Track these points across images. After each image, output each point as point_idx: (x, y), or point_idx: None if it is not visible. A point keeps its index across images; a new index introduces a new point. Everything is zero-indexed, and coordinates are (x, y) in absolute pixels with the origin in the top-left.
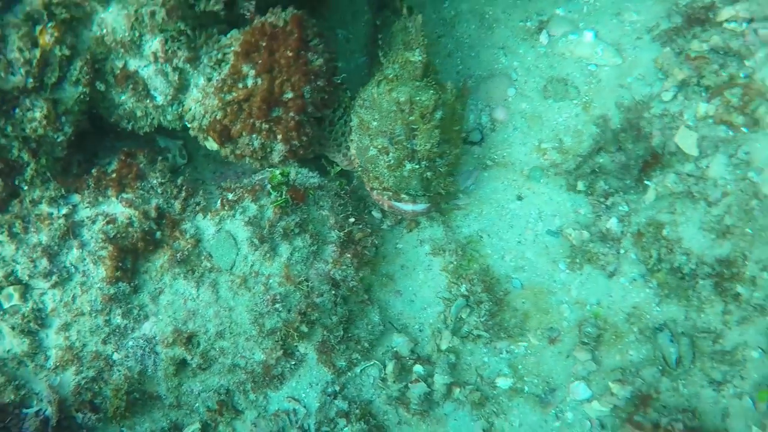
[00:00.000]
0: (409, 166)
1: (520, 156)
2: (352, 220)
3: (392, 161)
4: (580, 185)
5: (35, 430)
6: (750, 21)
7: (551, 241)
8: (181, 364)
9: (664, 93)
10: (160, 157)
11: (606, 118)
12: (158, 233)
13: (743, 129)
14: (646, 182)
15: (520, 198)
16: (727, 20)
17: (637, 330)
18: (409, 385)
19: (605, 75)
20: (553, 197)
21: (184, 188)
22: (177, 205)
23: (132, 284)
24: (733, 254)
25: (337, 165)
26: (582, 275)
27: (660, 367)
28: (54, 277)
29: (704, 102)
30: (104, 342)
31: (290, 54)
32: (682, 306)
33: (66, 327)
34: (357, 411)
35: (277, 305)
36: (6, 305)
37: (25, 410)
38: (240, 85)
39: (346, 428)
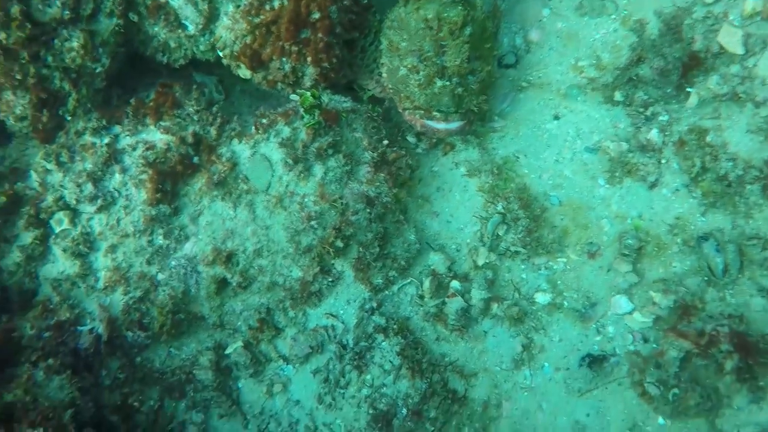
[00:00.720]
0: (439, 83)
1: (556, 75)
2: (385, 142)
3: (422, 79)
4: (618, 96)
5: (89, 345)
6: None
7: (590, 158)
8: (222, 284)
9: None
10: (195, 86)
11: (643, 25)
12: (196, 158)
13: None
14: (687, 89)
15: (557, 117)
16: None
17: (681, 241)
18: (446, 300)
19: None
20: (591, 114)
21: (219, 115)
22: (213, 131)
23: (172, 206)
24: None
25: (370, 90)
26: (622, 188)
27: (706, 278)
28: (99, 201)
29: None
30: (148, 262)
31: None
32: (729, 214)
33: (113, 249)
34: (395, 326)
35: (313, 222)
36: (57, 229)
37: (79, 328)
38: (267, 7)
39: (384, 342)
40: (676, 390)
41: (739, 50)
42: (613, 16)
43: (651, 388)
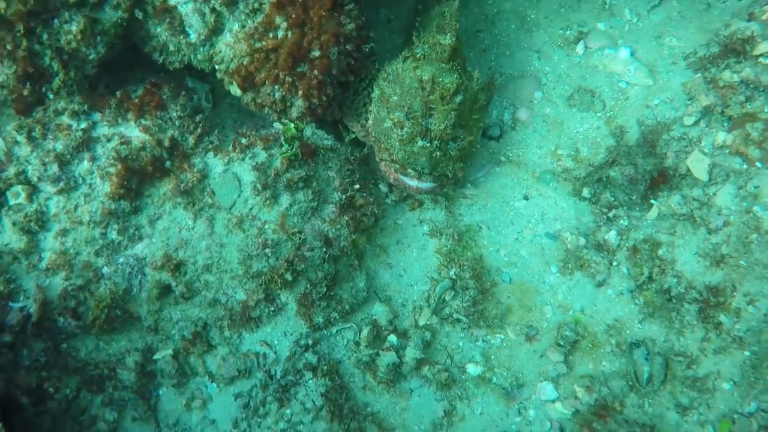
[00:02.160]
0: (420, 143)
1: (535, 158)
2: (357, 186)
3: (405, 135)
4: (586, 192)
5: (17, 323)
6: None
7: (548, 244)
8: (165, 290)
9: (686, 117)
10: (183, 92)
11: (624, 132)
12: (168, 162)
13: (757, 163)
14: (651, 201)
15: (526, 198)
16: (763, 54)
17: (615, 342)
18: (381, 352)
19: (634, 93)
20: (559, 202)
21: (200, 125)
22: (191, 139)
23: (133, 204)
24: (723, 283)
25: (353, 133)
26: (571, 280)
27: (630, 383)
28: (61, 184)
29: (724, 131)
30: (97, 254)
31: (323, 13)
32: (664, 327)
33: (64, 233)
34: (325, 367)
35: (267, 250)
36: (12, 202)
37: (11, 303)
38: (270, 35)
39: (311, 381)
40: None
41: (704, 177)
42: (599, 114)
43: None
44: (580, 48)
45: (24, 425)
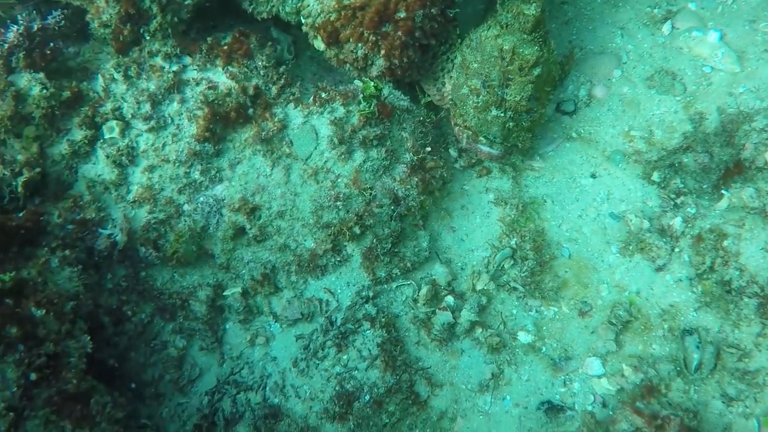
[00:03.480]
0: (494, 112)
1: (607, 137)
2: (428, 149)
3: (480, 103)
4: (656, 176)
5: (104, 248)
6: None
7: (611, 224)
8: (240, 231)
9: None
10: (269, 43)
11: (702, 118)
12: (251, 110)
13: None
14: (723, 191)
15: (594, 176)
16: None
17: (667, 327)
18: (437, 311)
19: (718, 79)
20: (627, 183)
21: (284, 77)
22: (274, 89)
23: (216, 147)
24: None
25: (429, 96)
26: (630, 262)
27: (678, 368)
28: (152, 122)
29: None
30: (179, 191)
31: None
32: (719, 318)
33: (151, 169)
34: (383, 319)
35: (339, 203)
36: (107, 135)
37: (101, 230)
38: None
39: (368, 331)
40: None
41: None
42: (678, 98)
43: None
44: (666, 28)
45: (104, 342)
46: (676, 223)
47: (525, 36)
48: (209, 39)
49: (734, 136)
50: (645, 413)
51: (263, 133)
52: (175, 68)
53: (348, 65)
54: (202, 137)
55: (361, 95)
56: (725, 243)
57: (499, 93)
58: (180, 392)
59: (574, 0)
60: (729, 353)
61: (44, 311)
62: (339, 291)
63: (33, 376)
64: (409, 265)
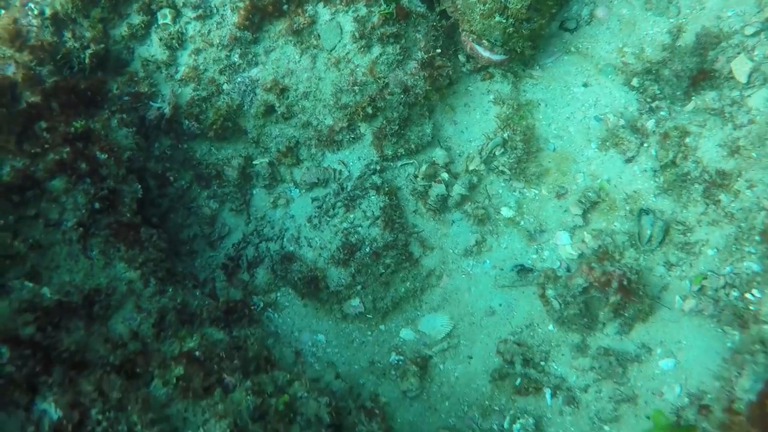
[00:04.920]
0: (497, 18)
1: (602, 52)
2: (438, 50)
3: (486, 10)
4: (635, 81)
5: (154, 117)
6: None
7: (594, 125)
8: (270, 109)
9: (748, 27)
10: None
11: (681, 31)
12: (285, 6)
13: None
14: (693, 96)
15: (585, 85)
16: None
17: (629, 209)
18: (433, 184)
19: (711, 4)
20: (613, 92)
21: None
22: None
23: (254, 36)
24: (732, 170)
25: (443, 5)
26: (605, 155)
27: (632, 241)
28: (200, 11)
29: None
30: (221, 72)
31: None
32: (673, 201)
33: (197, 52)
34: (387, 188)
35: (356, 87)
36: (160, 21)
37: (151, 102)
38: None
39: (373, 197)
40: (570, 307)
41: (743, 79)
42: (672, 20)
43: (553, 301)
44: None
45: (149, 202)
46: (650, 124)
47: None
48: None
49: (707, 49)
50: (597, 271)
51: (295, 26)
52: None
53: None
54: (242, 25)
55: None
56: (687, 140)
57: (503, 1)
58: (210, 247)
59: None
60: (676, 229)
61: (106, 155)
62: (351, 163)
63: (97, 205)
64: (413, 147)
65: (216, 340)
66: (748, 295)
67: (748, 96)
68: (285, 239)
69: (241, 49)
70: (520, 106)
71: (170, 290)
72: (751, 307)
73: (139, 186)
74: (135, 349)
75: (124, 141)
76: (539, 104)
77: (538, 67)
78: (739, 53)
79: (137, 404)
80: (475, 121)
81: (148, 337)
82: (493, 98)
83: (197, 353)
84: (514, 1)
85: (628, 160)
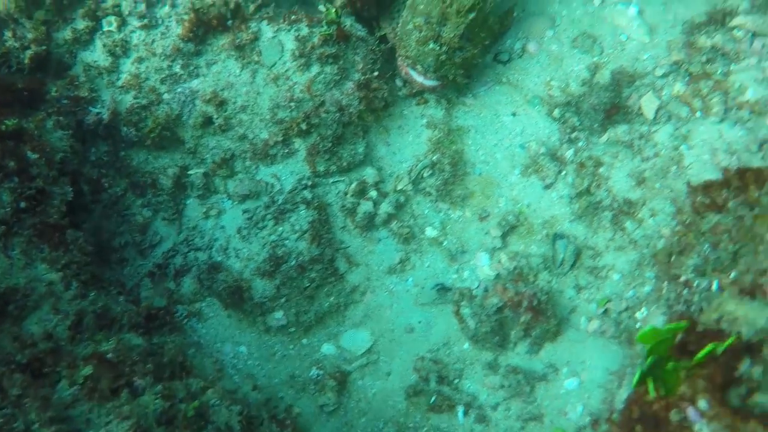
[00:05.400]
0: (431, 45)
1: (531, 84)
2: (376, 73)
3: (421, 37)
4: (556, 112)
5: (92, 122)
6: (753, 34)
7: (519, 152)
8: (208, 121)
9: (658, 68)
10: None
11: (599, 68)
12: (230, 21)
13: (697, 113)
14: (608, 128)
15: (514, 114)
16: (736, 27)
17: (546, 233)
18: (361, 201)
19: (630, 47)
20: (539, 122)
21: None
22: (252, 7)
23: (196, 48)
24: (638, 199)
25: (383, 31)
26: (527, 181)
27: (546, 264)
28: (145, 20)
29: (682, 84)
30: (162, 81)
31: None
32: (586, 227)
33: (140, 60)
34: (316, 203)
35: (292, 104)
36: (105, 28)
37: (91, 108)
38: None
39: (303, 211)
40: (484, 326)
41: (651, 116)
42: (595, 58)
43: (468, 319)
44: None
45: (82, 207)
46: (569, 153)
47: None
48: None
49: (621, 86)
50: (511, 291)
51: (237, 41)
52: None
53: None
54: (186, 37)
55: (324, 19)
56: (600, 170)
57: (437, 29)
58: (141, 255)
59: None
60: (587, 254)
61: (38, 155)
62: (284, 178)
63: (23, 204)
64: (345, 164)
65: (133, 345)
66: (637, 314)
67: (655, 131)
68: (214, 249)
69: (183, 60)
70: (451, 131)
71: (92, 294)
72: (637, 325)
73: (70, 189)
74: (45, 348)
75: (59, 143)
76: (469, 130)
77: (471, 96)
78: (648, 91)
79: (36, 402)
80: (408, 143)
81: (63, 339)
82: (426, 122)
83: (109, 355)
84: (447, 30)
85: (547, 187)
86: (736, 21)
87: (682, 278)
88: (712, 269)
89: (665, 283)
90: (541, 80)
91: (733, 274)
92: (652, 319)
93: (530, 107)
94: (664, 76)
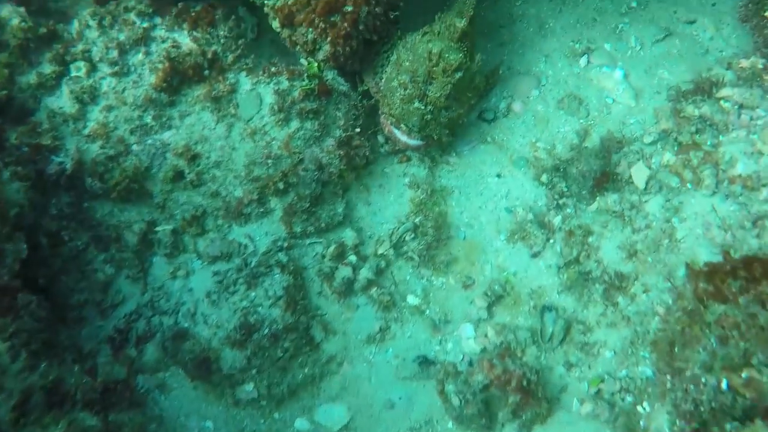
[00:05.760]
0: (416, 104)
1: (516, 145)
2: (357, 130)
3: (405, 95)
4: (544, 178)
5: (54, 173)
6: (740, 106)
7: (504, 216)
8: (179, 175)
9: (647, 135)
10: (234, 17)
11: (588, 134)
12: (207, 71)
13: (688, 184)
14: (597, 196)
15: (499, 176)
16: (723, 98)
17: (533, 304)
18: (340, 266)
19: (616, 110)
20: (525, 184)
21: (241, 48)
22: (230, 57)
23: (170, 98)
24: (630, 273)
25: (366, 86)
26: (513, 248)
27: (534, 338)
28: (117, 68)
29: (671, 153)
30: (131, 132)
31: None
32: (575, 299)
33: (109, 108)
34: (292, 267)
35: (269, 161)
36: (73, 73)
37: (54, 157)
38: None
39: (278, 275)
40: (469, 406)
41: (641, 185)
42: (582, 121)
43: (452, 397)
44: (583, 61)
45: (39, 261)
46: (556, 220)
47: (452, 44)
48: (180, 4)
49: (611, 152)
50: (498, 369)
51: (214, 93)
52: (145, 25)
53: (299, 47)
54: (159, 87)
55: (306, 73)
56: (590, 239)
57: (423, 88)
58: (101, 315)
59: (510, 26)
60: (577, 329)
61: None
62: (258, 238)
63: None
64: (323, 225)
65: (87, 426)
66: (639, 408)
67: (645, 202)
68: (180, 314)
69: (155, 110)
70: (434, 192)
71: (43, 365)
72: (641, 422)
73: (25, 246)
74: None
75: (15, 195)
76: (453, 191)
77: (455, 154)
78: (638, 159)
79: None
80: (389, 203)
81: (4, 423)
82: (409, 182)
83: None
84: (433, 89)
85: (535, 255)
86: (724, 92)
87: (688, 373)
88: (720, 366)
89: (668, 376)
90: (527, 141)
91: (744, 374)
92: (656, 416)
93: (516, 169)
94: (653, 143)
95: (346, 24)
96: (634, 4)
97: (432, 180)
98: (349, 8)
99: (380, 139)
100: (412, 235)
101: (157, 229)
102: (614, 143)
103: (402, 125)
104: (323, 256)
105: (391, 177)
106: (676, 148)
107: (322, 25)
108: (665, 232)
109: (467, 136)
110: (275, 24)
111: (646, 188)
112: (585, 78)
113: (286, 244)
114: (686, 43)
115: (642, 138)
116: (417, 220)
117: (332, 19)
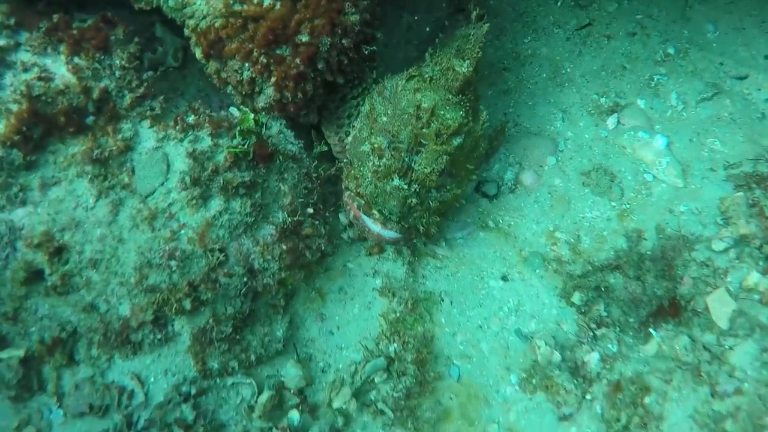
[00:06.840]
0: (396, 182)
1: (527, 233)
2: (310, 210)
3: (381, 167)
4: (576, 297)
5: None
6: None
7: (516, 344)
8: (36, 276)
9: (716, 241)
10: (137, 40)
11: (640, 236)
12: (90, 118)
13: None
14: (651, 330)
15: (505, 278)
16: None
17: None
18: (274, 429)
19: (659, 191)
20: (542, 295)
21: (145, 85)
22: (128, 98)
23: (28, 158)
24: None
25: (328, 145)
26: (531, 401)
27: None
28: None
29: (758, 272)
30: None
31: None
32: None
33: None
34: (202, 428)
35: (173, 262)
36: None
37: None
38: (255, 0)
39: None
40: None
41: (724, 324)
42: (614, 203)
43: None
44: (611, 121)
45: None
46: (592, 359)
47: (450, 96)
48: (55, 18)
49: (673, 266)
50: None
51: (98, 152)
52: (2, 42)
53: (230, 87)
54: (9, 139)
55: (238, 128)
56: (647, 400)
57: (406, 159)
58: None
59: (517, 69)
60: None
61: None
62: (152, 380)
63: None
64: (253, 358)
65: None
66: None
67: (730, 349)
68: None
69: (1, 175)
70: (416, 303)
71: None
72: None
73: None
74: None
75: None
76: (442, 300)
77: (444, 243)
78: (707, 276)
79: None
80: (352, 317)
81: None
82: (381, 285)
83: None
84: (421, 162)
85: (563, 418)
86: None
87: None
88: None
89: None
90: (542, 229)
91: None
92: None
93: (528, 269)
94: (725, 252)
95: (298, 60)
96: (671, 51)
97: (413, 282)
98: (305, 38)
99: (342, 219)
100: (384, 375)
101: (1, 355)
102: (678, 251)
103: (374, 211)
104: (251, 408)
105: (357, 276)
106: (763, 264)
107: (263, 59)
108: (766, 401)
109: (461, 216)
110: (198, 53)
111: (730, 328)
112: (616, 144)
113: (194, 390)
114: (738, 105)
115: (710, 242)
116: (392, 348)
117: (278, 52)
